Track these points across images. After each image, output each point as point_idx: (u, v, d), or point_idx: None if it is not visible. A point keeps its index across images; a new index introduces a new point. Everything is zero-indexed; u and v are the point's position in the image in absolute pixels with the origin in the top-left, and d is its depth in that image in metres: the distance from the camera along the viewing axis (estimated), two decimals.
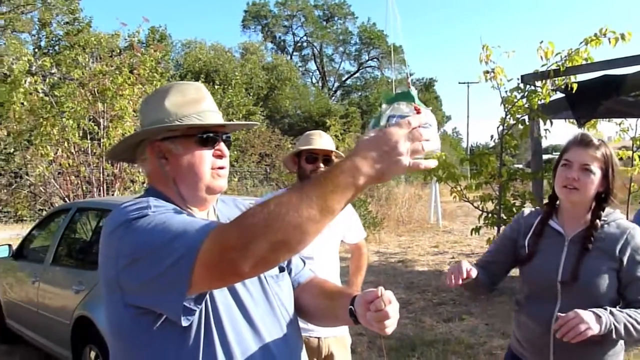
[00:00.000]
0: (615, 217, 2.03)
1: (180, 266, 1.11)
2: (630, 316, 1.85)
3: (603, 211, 2.01)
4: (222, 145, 1.40)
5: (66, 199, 8.87)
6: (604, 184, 1.99)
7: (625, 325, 1.82)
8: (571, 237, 2.02)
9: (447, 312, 6.39)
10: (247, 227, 1.04)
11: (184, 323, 1.18)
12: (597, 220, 1.99)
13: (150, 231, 1.17)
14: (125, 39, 11.49)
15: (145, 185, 9.36)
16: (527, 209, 2.21)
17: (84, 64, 9.29)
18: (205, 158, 1.36)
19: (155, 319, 1.21)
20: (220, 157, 1.39)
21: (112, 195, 8.79)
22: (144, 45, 11.36)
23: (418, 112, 1.15)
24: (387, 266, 9.51)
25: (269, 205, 1.04)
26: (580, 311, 1.78)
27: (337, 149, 2.96)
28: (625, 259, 1.92)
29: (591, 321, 1.77)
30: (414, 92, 1.20)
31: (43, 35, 20.59)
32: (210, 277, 1.12)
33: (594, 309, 1.81)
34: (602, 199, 2.02)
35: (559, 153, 2.11)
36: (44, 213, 7.92)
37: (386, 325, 1.22)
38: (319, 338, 2.75)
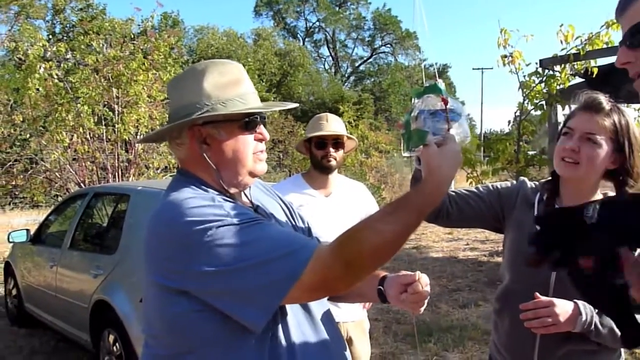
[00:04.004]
0: None
1: (276, 290, 1.14)
2: None
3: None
4: (262, 129, 1.37)
5: (82, 184, 8.94)
6: (617, 159, 1.59)
7: (611, 329, 1.53)
8: None
9: (463, 298, 6.37)
10: (352, 260, 1.13)
11: (258, 331, 1.18)
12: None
13: (243, 246, 1.15)
14: (139, 25, 11.48)
15: (159, 171, 9.44)
16: (528, 182, 1.84)
17: (98, 50, 9.31)
18: (248, 143, 1.33)
19: (223, 318, 1.18)
20: (262, 140, 1.37)
21: (127, 180, 8.83)
22: (157, 30, 11.33)
23: (445, 103, 1.22)
24: (402, 252, 9.47)
25: (371, 234, 1.13)
26: (558, 301, 1.53)
27: (350, 134, 2.91)
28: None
29: (564, 315, 1.51)
30: (441, 84, 1.24)
31: (57, 22, 20.65)
32: (304, 298, 1.21)
33: (580, 303, 1.54)
34: (620, 180, 1.61)
35: None
36: (60, 199, 7.99)
37: (420, 306, 1.38)
38: (337, 323, 2.73)
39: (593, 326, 1.54)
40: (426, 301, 1.39)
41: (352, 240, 1.15)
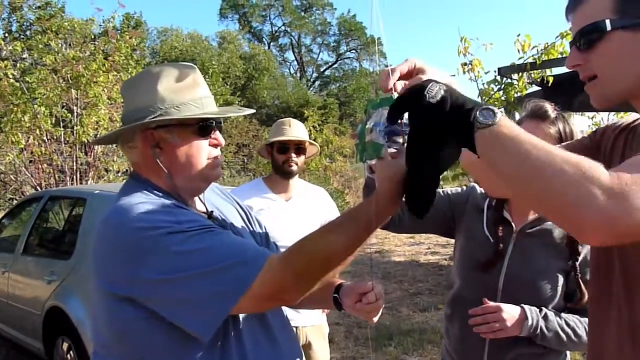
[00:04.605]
0: None
1: (225, 300, 1.11)
2: (568, 325, 1.61)
3: None
4: (218, 134, 1.35)
5: (38, 187, 8.69)
6: None
7: (557, 334, 1.59)
8: (520, 228, 1.70)
9: (424, 301, 6.44)
10: (302, 271, 1.13)
11: (205, 341, 1.15)
12: None
13: (192, 254, 1.12)
14: (100, 25, 11.26)
15: (119, 174, 9.26)
16: (478, 188, 1.85)
17: (56, 50, 9.08)
18: (202, 148, 1.31)
19: (172, 326, 1.15)
20: (216, 146, 1.35)
21: (86, 184, 8.62)
22: (119, 31, 11.13)
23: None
24: (364, 257, 9.52)
25: (322, 245, 1.13)
26: (505, 306, 1.57)
27: (315, 140, 2.93)
28: (577, 263, 1.64)
29: (510, 320, 1.56)
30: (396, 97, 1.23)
31: (14, 20, 20.04)
32: (254, 308, 1.18)
33: (527, 307, 1.59)
34: None
35: None
36: (15, 202, 7.75)
37: (374, 315, 1.38)
38: (296, 327, 2.73)
39: (539, 330, 1.58)
40: (380, 310, 1.40)
41: (302, 251, 1.14)
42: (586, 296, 1.59)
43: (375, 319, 1.41)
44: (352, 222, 1.15)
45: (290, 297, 1.18)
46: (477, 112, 0.85)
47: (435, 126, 0.88)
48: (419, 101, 0.89)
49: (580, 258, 1.65)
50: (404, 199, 1.05)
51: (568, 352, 1.75)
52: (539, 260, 1.66)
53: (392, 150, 1.13)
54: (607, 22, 0.96)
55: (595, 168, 0.75)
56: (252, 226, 1.56)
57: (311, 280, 1.15)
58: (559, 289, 1.65)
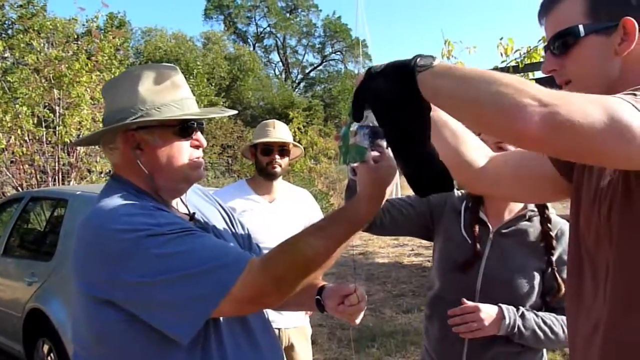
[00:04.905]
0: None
1: (204, 303, 1.11)
2: (545, 322, 1.64)
3: None
4: (199, 135, 1.34)
5: (19, 188, 8.58)
6: None
7: (534, 332, 1.62)
8: (496, 228, 1.74)
9: (407, 303, 6.47)
10: (282, 275, 1.13)
11: (185, 344, 1.15)
12: (527, 209, 1.75)
13: (172, 257, 1.12)
14: (84, 25, 11.15)
15: (102, 175, 9.18)
16: (456, 191, 1.89)
17: (38, 49, 8.98)
18: (184, 150, 1.31)
19: (152, 328, 1.15)
20: (198, 147, 1.34)
21: (68, 184, 8.53)
22: (102, 31, 11.04)
23: None
24: (348, 258, 9.54)
25: (303, 249, 1.13)
26: (483, 306, 1.62)
27: (299, 141, 2.94)
28: (554, 259, 1.68)
29: (488, 319, 1.60)
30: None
31: None
32: (234, 311, 1.19)
33: (504, 307, 1.63)
34: None
35: None
36: None
37: (357, 317, 1.41)
38: (279, 329, 2.74)
39: (516, 329, 1.62)
40: (362, 313, 1.42)
41: (283, 255, 1.15)
42: (563, 290, 1.63)
43: (358, 321, 1.43)
44: (334, 225, 1.16)
45: (271, 301, 1.19)
46: (417, 59, 0.91)
47: (387, 89, 0.94)
48: (367, 76, 0.97)
49: (556, 255, 1.69)
50: (421, 192, 1.05)
51: (545, 351, 1.79)
52: (515, 260, 1.70)
53: (375, 153, 1.13)
54: (581, 27, 0.98)
55: (528, 82, 0.81)
56: (234, 228, 1.56)
57: (292, 284, 1.15)
58: (536, 287, 1.69)
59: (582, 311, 1.07)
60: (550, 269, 1.68)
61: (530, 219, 1.75)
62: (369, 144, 1.11)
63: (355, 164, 1.21)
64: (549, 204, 1.75)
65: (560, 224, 1.75)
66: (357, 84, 1.02)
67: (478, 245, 1.72)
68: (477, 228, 1.74)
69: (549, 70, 1.05)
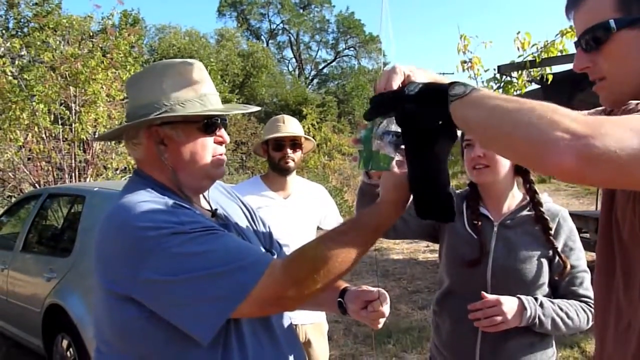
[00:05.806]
0: (544, 200, 1.81)
1: (224, 304, 1.11)
2: (561, 309, 1.68)
3: (533, 184, 1.80)
4: (223, 132, 1.34)
5: (36, 185, 8.67)
6: None
7: (553, 320, 1.66)
8: (500, 221, 1.79)
9: (422, 299, 6.45)
10: (303, 279, 1.12)
11: (205, 343, 1.14)
12: (528, 200, 1.80)
13: (194, 256, 1.11)
14: (99, 22, 11.22)
15: (118, 172, 9.24)
16: (457, 190, 1.93)
17: (54, 47, 9.05)
18: (207, 146, 1.30)
19: (173, 325, 1.14)
20: (221, 143, 1.33)
21: (84, 181, 8.61)
22: (117, 29, 11.10)
23: None
24: (364, 255, 9.54)
25: (325, 254, 1.12)
26: (504, 299, 1.63)
27: (313, 137, 2.91)
28: (559, 246, 1.73)
29: (511, 312, 1.62)
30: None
31: (10, 17, 19.97)
32: (254, 313, 1.17)
33: (523, 298, 1.66)
34: (524, 171, 1.80)
35: None
36: (13, 200, 7.73)
37: (379, 322, 1.42)
38: (296, 325, 2.74)
39: (537, 319, 1.65)
40: (385, 318, 1.43)
41: (304, 259, 1.14)
42: (569, 266, 1.70)
43: (380, 325, 1.44)
44: (356, 230, 1.16)
45: (292, 304, 1.17)
46: (450, 87, 0.90)
47: (419, 115, 0.94)
48: (400, 96, 0.96)
49: (561, 242, 1.74)
50: (423, 215, 1.06)
51: (554, 342, 1.82)
52: (522, 249, 1.74)
53: (399, 158, 1.11)
54: (612, 22, 0.94)
55: (563, 111, 0.80)
56: (256, 225, 1.55)
57: (313, 288, 1.14)
58: (545, 273, 1.73)
59: (611, 306, 1.05)
60: (553, 252, 1.72)
61: (530, 209, 1.79)
62: (394, 150, 1.09)
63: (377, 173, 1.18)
64: (545, 193, 1.82)
65: (560, 211, 1.80)
66: (381, 86, 1.00)
67: (483, 239, 1.76)
68: (480, 223, 1.79)
69: (581, 68, 1.02)
